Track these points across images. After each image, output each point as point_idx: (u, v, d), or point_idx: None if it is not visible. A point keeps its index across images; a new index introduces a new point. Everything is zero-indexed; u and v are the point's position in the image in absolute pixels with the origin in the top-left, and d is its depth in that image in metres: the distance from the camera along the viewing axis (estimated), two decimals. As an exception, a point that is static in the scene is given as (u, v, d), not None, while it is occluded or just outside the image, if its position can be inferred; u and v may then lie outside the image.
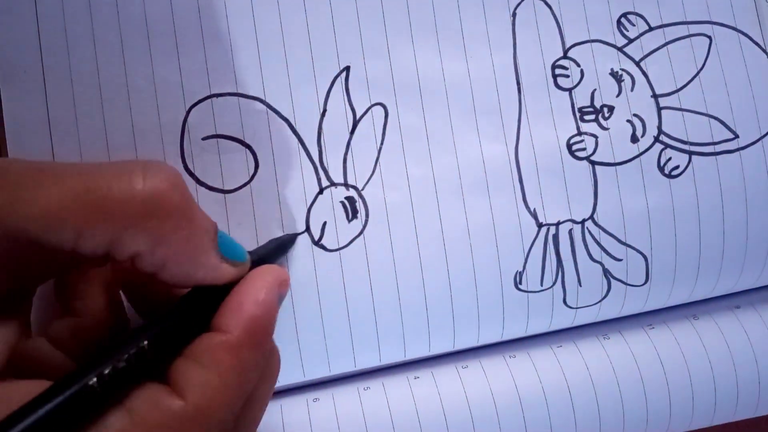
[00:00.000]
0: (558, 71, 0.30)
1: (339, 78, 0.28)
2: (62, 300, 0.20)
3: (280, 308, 0.20)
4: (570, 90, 0.30)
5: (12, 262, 0.17)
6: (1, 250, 0.16)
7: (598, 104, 0.30)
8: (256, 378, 0.19)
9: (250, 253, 0.21)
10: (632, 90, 0.30)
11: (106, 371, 0.16)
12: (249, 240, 0.27)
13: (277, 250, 0.25)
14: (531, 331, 0.31)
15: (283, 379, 0.29)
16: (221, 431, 0.17)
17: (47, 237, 0.16)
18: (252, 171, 0.27)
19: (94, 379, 0.16)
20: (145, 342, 0.17)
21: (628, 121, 0.30)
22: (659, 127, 0.30)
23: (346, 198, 0.28)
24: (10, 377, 0.17)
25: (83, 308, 0.19)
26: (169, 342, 0.18)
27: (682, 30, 0.31)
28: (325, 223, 0.28)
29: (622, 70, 0.30)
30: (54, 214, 0.16)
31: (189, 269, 0.18)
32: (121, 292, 0.21)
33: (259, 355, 0.18)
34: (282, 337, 0.28)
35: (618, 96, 0.30)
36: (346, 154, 0.28)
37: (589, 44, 0.30)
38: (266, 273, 0.20)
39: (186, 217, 0.17)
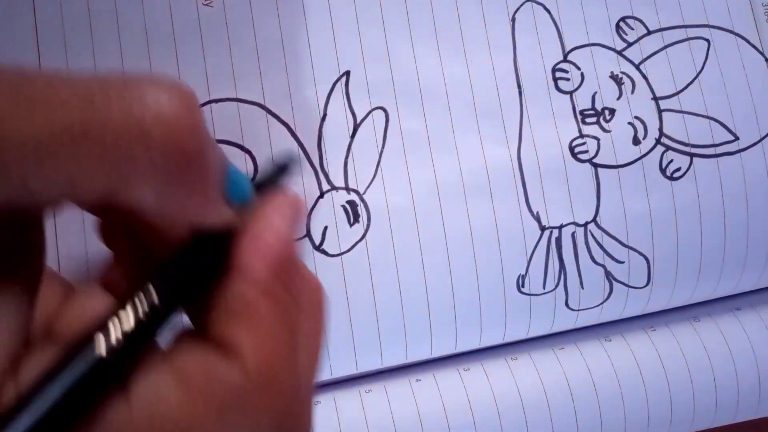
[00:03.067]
0: (558, 74, 0.28)
1: (339, 82, 0.27)
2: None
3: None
4: (571, 93, 0.28)
5: None
6: None
7: (599, 107, 0.28)
8: (297, 313, 0.16)
9: (252, 181, 0.17)
10: (633, 93, 0.28)
11: (113, 337, 0.12)
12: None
13: (279, 173, 0.20)
14: (533, 333, 0.29)
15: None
16: (290, 390, 0.15)
17: (33, 182, 0.12)
18: (251, 176, 0.26)
19: (102, 349, 0.12)
20: (155, 295, 0.14)
21: (630, 123, 0.28)
22: (660, 129, 0.28)
23: (348, 202, 0.27)
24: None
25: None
26: (180, 292, 0.15)
27: (680, 33, 0.29)
28: (326, 228, 0.26)
29: (622, 73, 0.29)
30: (44, 154, 0.11)
31: (191, 219, 0.14)
32: None
33: (292, 286, 0.15)
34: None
35: (619, 99, 0.28)
36: (347, 158, 0.27)
37: (588, 48, 0.29)
38: (278, 203, 0.16)
39: (201, 166, 0.13)
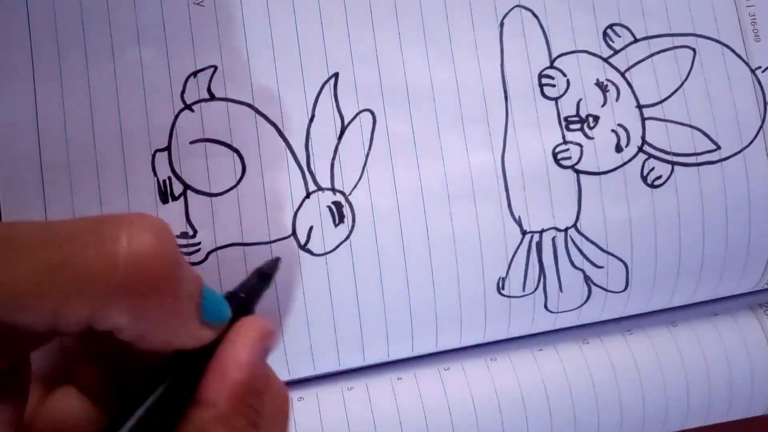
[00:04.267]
0: (544, 81, 0.28)
1: (327, 84, 0.27)
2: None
3: (268, 358, 0.18)
4: (556, 99, 0.28)
5: None
6: None
7: (583, 114, 0.28)
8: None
9: (229, 297, 0.18)
10: (617, 100, 0.28)
11: None
12: (235, 240, 0.26)
13: (260, 285, 0.21)
14: (512, 334, 0.29)
15: (269, 379, 0.27)
16: None
17: (20, 318, 0.13)
18: (239, 175, 0.26)
19: None
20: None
21: (613, 131, 0.28)
22: (643, 138, 0.28)
23: (333, 203, 0.27)
24: None
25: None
26: (157, 421, 0.16)
27: (666, 42, 0.29)
28: (311, 228, 0.26)
29: (608, 80, 0.29)
30: (27, 293, 0.13)
31: (168, 339, 0.16)
32: None
33: (254, 415, 0.17)
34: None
35: (603, 106, 0.28)
36: (333, 159, 0.27)
37: (575, 54, 0.29)
38: (247, 330, 0.17)
39: (171, 288, 0.15)
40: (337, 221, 0.26)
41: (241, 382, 0.16)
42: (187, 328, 0.16)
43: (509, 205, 0.27)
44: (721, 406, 0.30)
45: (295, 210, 0.26)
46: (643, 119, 0.28)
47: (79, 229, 0.14)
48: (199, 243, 0.25)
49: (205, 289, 0.16)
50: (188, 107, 0.26)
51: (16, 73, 0.25)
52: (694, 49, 0.29)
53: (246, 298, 0.20)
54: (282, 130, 0.26)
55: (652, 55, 0.29)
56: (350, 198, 0.27)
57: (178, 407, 0.16)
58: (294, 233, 0.26)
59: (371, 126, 0.27)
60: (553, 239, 0.28)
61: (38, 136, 0.25)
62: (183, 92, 0.26)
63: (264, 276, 0.22)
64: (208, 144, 0.26)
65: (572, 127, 0.28)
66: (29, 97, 0.25)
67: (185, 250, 0.25)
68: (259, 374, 0.17)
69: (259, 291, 0.21)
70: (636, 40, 0.29)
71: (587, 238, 0.28)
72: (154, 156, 0.25)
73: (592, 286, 0.28)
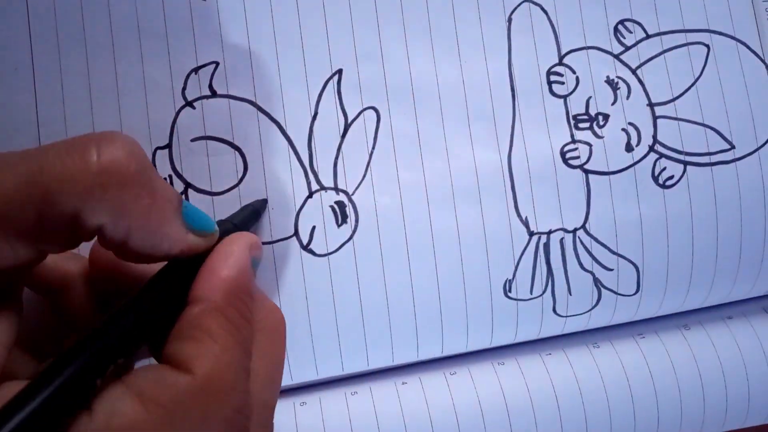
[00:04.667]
0: (553, 78, 0.28)
1: (331, 81, 0.26)
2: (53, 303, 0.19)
3: (256, 272, 0.19)
4: (565, 97, 0.28)
5: None
6: None
7: (593, 112, 0.28)
8: (251, 333, 0.17)
9: (219, 223, 0.19)
10: (628, 98, 0.28)
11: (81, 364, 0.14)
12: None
13: (249, 217, 0.23)
14: (520, 339, 0.29)
15: (270, 382, 0.27)
16: (239, 394, 0.16)
17: (7, 224, 0.14)
18: (241, 173, 0.26)
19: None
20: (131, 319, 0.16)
21: (623, 129, 0.28)
22: (654, 137, 0.28)
23: (336, 202, 0.26)
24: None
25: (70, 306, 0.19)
26: (150, 321, 0.16)
27: (680, 38, 0.29)
28: (314, 228, 0.26)
29: (618, 77, 0.28)
30: (12, 199, 0.14)
31: (154, 240, 0.16)
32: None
33: (246, 310, 0.17)
34: (269, 340, 0.26)
35: (613, 104, 0.28)
36: (336, 157, 0.26)
37: (585, 51, 0.28)
38: (234, 238, 0.18)
39: (146, 185, 0.16)
40: (339, 221, 0.26)
41: (229, 278, 0.17)
42: (171, 228, 0.17)
43: (516, 206, 0.27)
44: (739, 411, 0.29)
45: (297, 210, 0.26)
46: (655, 118, 0.28)
47: (52, 146, 0.15)
48: (198, 243, 0.25)
49: (187, 203, 0.18)
50: (189, 104, 0.25)
51: (16, 69, 0.25)
52: (708, 46, 0.28)
53: (236, 225, 0.21)
54: (284, 128, 0.26)
55: (664, 52, 0.28)
56: (353, 198, 0.26)
57: (171, 313, 0.16)
58: (296, 233, 0.26)
59: (375, 124, 0.26)
60: (561, 240, 0.27)
61: (38, 132, 0.24)
62: (184, 89, 0.25)
63: (254, 211, 0.23)
64: (209, 142, 0.25)
65: (581, 125, 0.27)
66: (29, 94, 0.25)
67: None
68: (247, 276, 0.18)
69: (248, 222, 0.22)
70: (648, 36, 0.28)
71: (596, 240, 0.27)
72: (154, 154, 0.25)
73: (602, 289, 0.27)
